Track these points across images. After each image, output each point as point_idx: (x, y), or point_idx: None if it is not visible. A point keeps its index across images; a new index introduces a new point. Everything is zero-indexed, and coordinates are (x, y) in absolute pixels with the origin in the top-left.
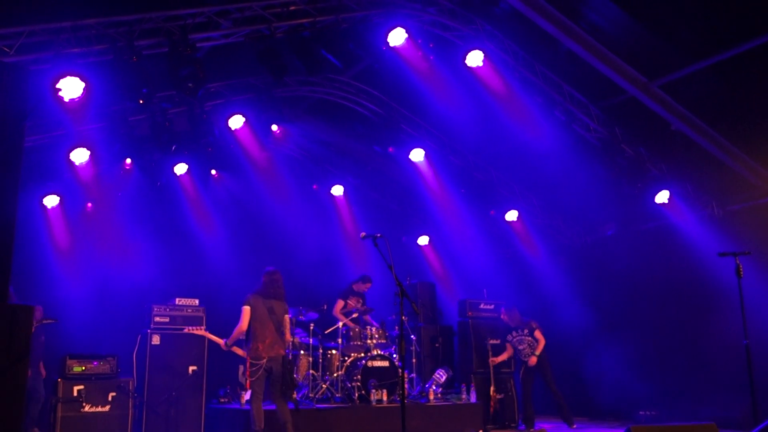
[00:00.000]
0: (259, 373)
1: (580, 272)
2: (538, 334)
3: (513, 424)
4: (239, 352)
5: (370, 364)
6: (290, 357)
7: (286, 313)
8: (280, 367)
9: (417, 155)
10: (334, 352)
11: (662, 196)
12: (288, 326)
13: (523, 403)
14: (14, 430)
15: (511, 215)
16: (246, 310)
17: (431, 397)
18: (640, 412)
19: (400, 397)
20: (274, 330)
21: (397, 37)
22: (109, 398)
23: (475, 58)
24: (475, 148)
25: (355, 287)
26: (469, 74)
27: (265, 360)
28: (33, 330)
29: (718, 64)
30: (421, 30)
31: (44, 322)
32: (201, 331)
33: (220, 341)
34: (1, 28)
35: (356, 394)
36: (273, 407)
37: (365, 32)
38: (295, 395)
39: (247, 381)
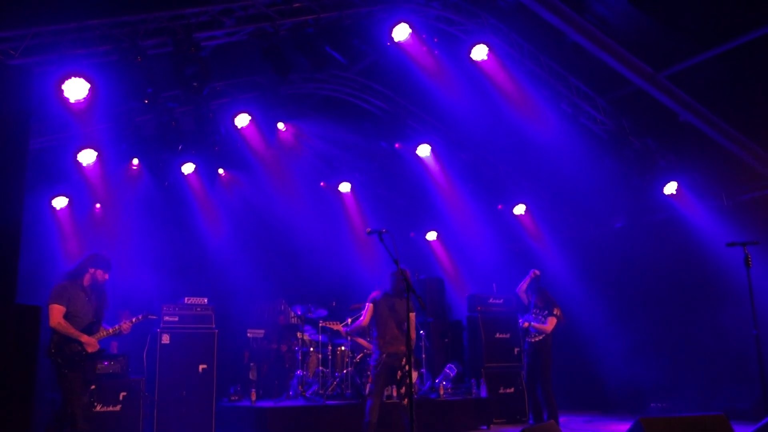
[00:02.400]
0: (380, 368)
1: (588, 265)
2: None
3: (524, 418)
4: (363, 342)
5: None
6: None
7: (411, 311)
8: (400, 363)
9: (424, 150)
10: (343, 348)
11: (671, 188)
12: (413, 324)
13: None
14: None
15: (519, 209)
16: (368, 306)
17: (441, 392)
18: (651, 404)
19: (409, 393)
20: (395, 327)
21: (401, 32)
22: (120, 398)
23: (480, 52)
24: (481, 142)
25: None
26: (474, 68)
27: (384, 356)
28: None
29: (725, 53)
30: (426, 25)
31: (149, 317)
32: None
33: (340, 327)
34: (6, 31)
35: (366, 390)
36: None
37: (369, 28)
38: (403, 390)
39: (370, 375)
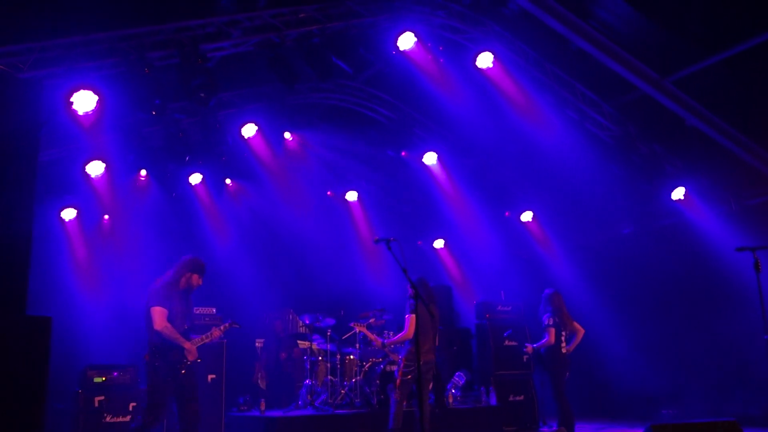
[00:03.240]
0: (410, 375)
1: (596, 271)
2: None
3: (534, 426)
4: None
5: (388, 368)
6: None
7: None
8: (430, 372)
9: (430, 158)
10: (352, 357)
11: (678, 193)
12: (436, 330)
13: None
14: None
15: (526, 216)
16: (411, 318)
17: (450, 400)
18: (663, 411)
19: (419, 401)
20: (431, 336)
21: (406, 41)
22: (130, 408)
23: (485, 60)
24: (487, 149)
25: None
26: (479, 76)
27: (420, 364)
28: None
29: (731, 58)
30: (431, 33)
31: (234, 326)
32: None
33: (378, 341)
34: (16, 44)
35: (375, 399)
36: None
37: (375, 37)
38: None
39: (398, 380)
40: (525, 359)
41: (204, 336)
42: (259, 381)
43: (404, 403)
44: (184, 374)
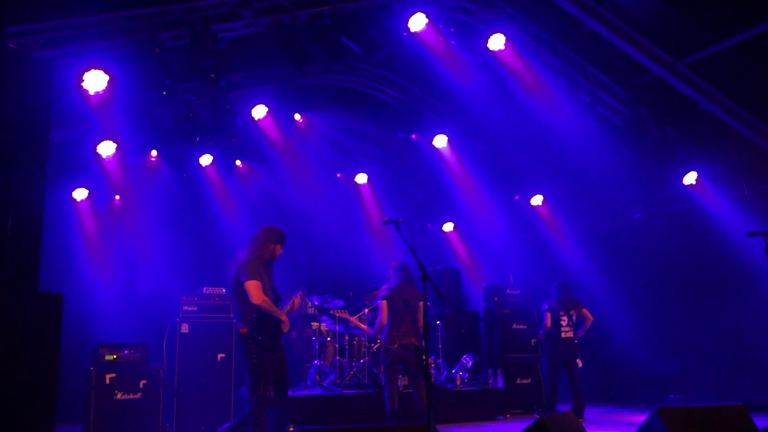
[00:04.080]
0: (391, 358)
1: (606, 256)
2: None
3: (541, 409)
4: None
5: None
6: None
7: (420, 300)
8: (413, 355)
9: (440, 141)
10: (360, 338)
11: (690, 178)
12: (421, 313)
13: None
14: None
15: (537, 200)
16: (383, 304)
17: (458, 382)
18: (670, 396)
19: (426, 383)
20: (408, 320)
21: (417, 22)
22: (141, 386)
23: (497, 42)
24: (498, 132)
25: None
26: (491, 58)
27: (396, 346)
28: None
29: (747, 41)
30: (442, 15)
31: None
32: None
33: (368, 330)
34: (28, 24)
35: (383, 380)
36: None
37: (385, 18)
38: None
39: (382, 365)
40: (533, 343)
41: (287, 306)
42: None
43: (397, 386)
44: (279, 347)
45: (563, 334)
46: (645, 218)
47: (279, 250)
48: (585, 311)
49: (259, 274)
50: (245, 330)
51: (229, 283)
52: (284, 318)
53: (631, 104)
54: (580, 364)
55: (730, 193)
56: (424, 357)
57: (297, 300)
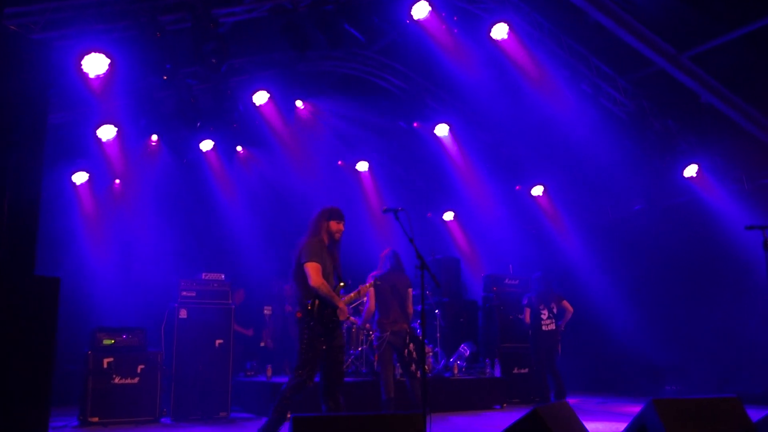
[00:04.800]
0: (384, 346)
1: (606, 247)
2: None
3: (537, 398)
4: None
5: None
6: (417, 331)
7: (409, 287)
8: (403, 341)
9: (442, 130)
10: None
11: (691, 170)
12: (410, 300)
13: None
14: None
15: (537, 190)
16: (371, 292)
17: (455, 371)
18: (666, 387)
19: (423, 371)
20: (397, 307)
21: (420, 10)
22: (138, 370)
23: (500, 31)
24: (500, 122)
25: None
26: (494, 48)
27: (388, 333)
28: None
29: (750, 34)
30: (445, 2)
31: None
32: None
33: (356, 321)
34: (28, 5)
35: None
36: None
37: (388, 5)
38: (415, 368)
39: (376, 353)
40: (530, 333)
41: (353, 293)
42: (261, 341)
43: (392, 374)
44: (336, 334)
45: (544, 327)
46: (645, 210)
47: (334, 225)
48: (565, 303)
49: (320, 257)
50: (300, 314)
51: (292, 269)
52: (341, 305)
53: (633, 96)
54: (560, 352)
55: (730, 186)
56: (411, 344)
57: (365, 288)
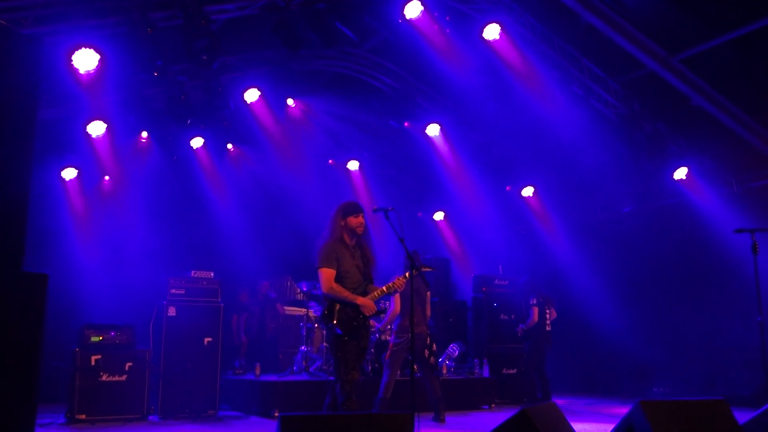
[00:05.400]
0: (401, 347)
1: (595, 248)
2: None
3: (525, 399)
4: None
5: (383, 338)
6: (430, 333)
7: (428, 290)
8: (423, 343)
9: (433, 130)
10: None
11: (681, 173)
12: (428, 302)
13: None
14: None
15: (528, 191)
16: (397, 296)
17: (444, 371)
18: (654, 389)
19: (411, 371)
20: (419, 309)
21: (413, 9)
22: (126, 368)
23: (492, 32)
24: (491, 123)
25: None
26: (486, 48)
27: (408, 336)
28: None
29: (740, 38)
30: (438, 2)
31: (424, 269)
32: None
33: (373, 324)
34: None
35: (369, 367)
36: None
37: (381, 5)
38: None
39: (388, 351)
40: (519, 333)
41: (385, 286)
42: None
43: (395, 375)
44: (362, 334)
45: (548, 328)
46: (634, 212)
47: (353, 221)
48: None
49: (332, 260)
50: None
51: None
52: (361, 301)
53: (624, 98)
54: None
55: (719, 189)
56: (433, 345)
57: (401, 280)
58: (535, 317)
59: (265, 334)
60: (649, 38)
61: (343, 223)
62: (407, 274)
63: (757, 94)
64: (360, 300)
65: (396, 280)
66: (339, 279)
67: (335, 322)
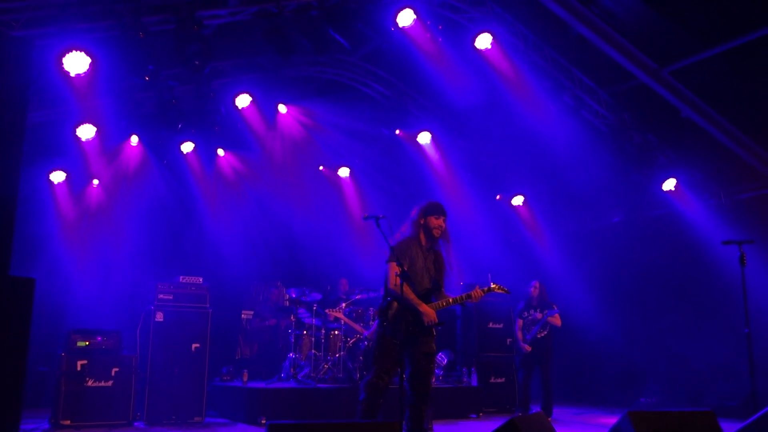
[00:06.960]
0: None
1: (584, 258)
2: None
3: (513, 408)
4: (357, 327)
5: (372, 345)
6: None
7: None
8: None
9: (424, 138)
10: (336, 332)
11: (669, 184)
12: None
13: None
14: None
15: (517, 200)
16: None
17: (432, 379)
18: (641, 399)
19: (401, 379)
20: None
21: (405, 18)
22: (112, 373)
23: (484, 41)
24: (482, 131)
25: None
26: (477, 57)
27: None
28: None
29: (730, 51)
30: (430, 11)
31: (499, 290)
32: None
33: (362, 330)
34: (9, 2)
35: (357, 375)
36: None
37: (374, 12)
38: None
39: None
40: (508, 342)
41: (458, 296)
42: (243, 352)
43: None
44: (421, 340)
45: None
46: (623, 222)
47: (433, 221)
48: None
49: (403, 257)
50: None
51: None
52: (423, 309)
53: (614, 109)
54: None
55: (707, 201)
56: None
57: (478, 292)
58: (558, 322)
59: (278, 344)
60: (640, 50)
61: (422, 222)
62: (486, 288)
63: (746, 107)
64: (423, 307)
65: (474, 291)
66: (407, 277)
67: (386, 323)
